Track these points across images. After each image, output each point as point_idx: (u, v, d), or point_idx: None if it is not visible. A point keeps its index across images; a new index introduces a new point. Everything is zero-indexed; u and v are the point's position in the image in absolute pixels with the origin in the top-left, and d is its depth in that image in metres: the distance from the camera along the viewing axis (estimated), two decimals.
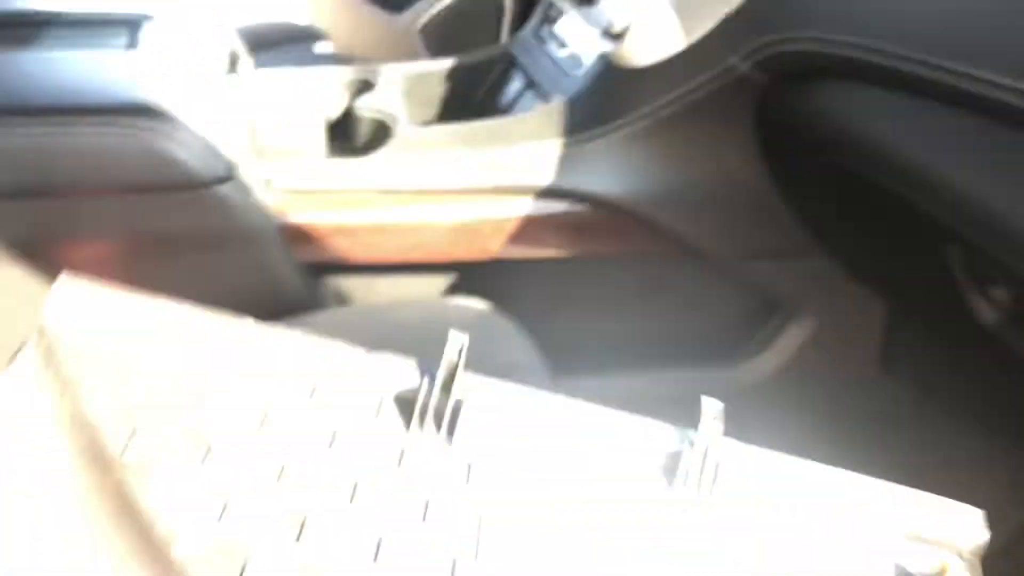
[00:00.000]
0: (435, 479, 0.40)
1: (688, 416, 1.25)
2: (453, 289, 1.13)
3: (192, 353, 0.44)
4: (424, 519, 0.39)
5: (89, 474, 0.39)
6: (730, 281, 1.16)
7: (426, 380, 0.41)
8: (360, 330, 0.97)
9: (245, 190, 0.94)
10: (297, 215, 0.99)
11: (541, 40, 1.21)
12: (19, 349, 0.43)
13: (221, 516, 0.38)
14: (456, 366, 0.42)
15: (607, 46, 1.05)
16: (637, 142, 1.03)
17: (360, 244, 1.03)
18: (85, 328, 0.45)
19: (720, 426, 0.43)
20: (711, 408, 0.43)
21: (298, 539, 0.37)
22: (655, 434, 0.43)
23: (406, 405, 0.42)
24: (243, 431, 0.41)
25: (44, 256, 0.93)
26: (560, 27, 1.18)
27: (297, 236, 1.00)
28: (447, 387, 0.41)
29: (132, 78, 0.92)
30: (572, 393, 0.94)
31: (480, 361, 0.96)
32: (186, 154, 0.88)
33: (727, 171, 1.05)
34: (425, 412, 0.41)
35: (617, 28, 1.01)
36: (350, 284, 1.09)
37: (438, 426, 0.41)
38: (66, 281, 0.46)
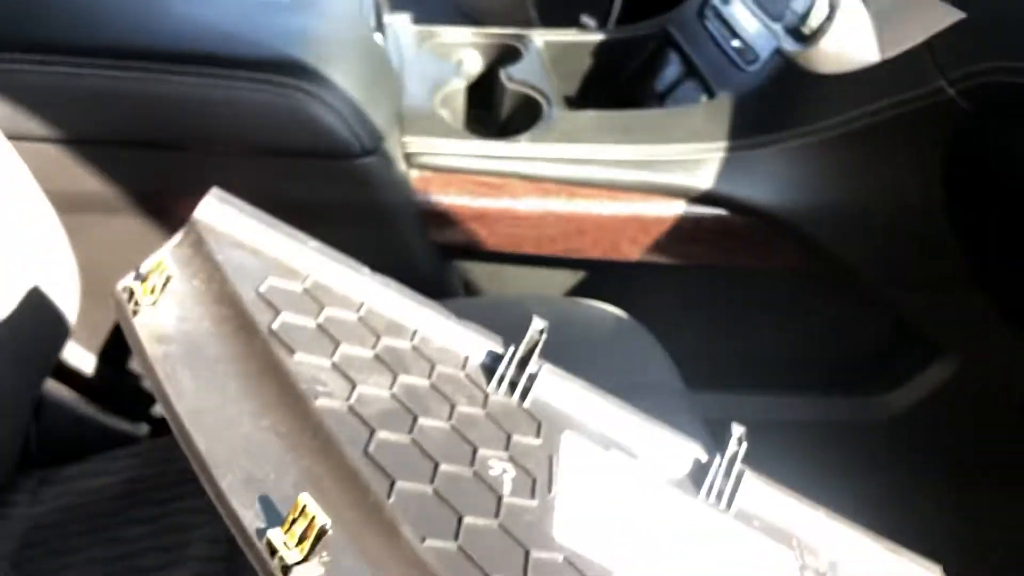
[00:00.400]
0: (513, 423, 0.47)
1: (815, 446, 1.17)
2: (580, 287, 1.05)
3: (321, 278, 0.50)
4: (507, 447, 0.45)
5: (236, 338, 0.44)
6: (878, 308, 1.08)
7: (509, 351, 0.49)
8: (491, 321, 0.91)
9: (388, 164, 0.87)
10: (436, 195, 0.92)
11: (705, 22, 1.12)
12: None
13: (351, 395, 0.43)
14: (536, 345, 0.48)
15: (789, 44, 0.95)
16: (812, 154, 0.94)
17: (495, 232, 0.96)
18: (231, 230, 0.49)
19: (743, 448, 0.48)
20: (736, 430, 0.48)
21: (410, 431, 0.42)
22: (693, 447, 0.49)
23: (489, 370, 0.49)
24: (360, 347, 0.47)
25: (171, 209, 0.87)
26: (731, 12, 1.08)
27: (433, 217, 0.93)
28: (523, 364, 0.48)
29: (284, 31, 0.85)
30: (703, 410, 0.88)
31: (618, 376, 0.89)
32: (337, 122, 0.81)
33: (902, 196, 0.96)
34: (503, 379, 0.48)
35: (808, 28, 0.91)
36: (476, 270, 1.02)
37: (512, 392, 0.48)
38: (218, 192, 0.50)
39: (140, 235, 0.89)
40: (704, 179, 0.95)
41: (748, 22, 1.04)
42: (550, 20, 1.62)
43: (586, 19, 1.62)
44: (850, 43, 0.90)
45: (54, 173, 0.80)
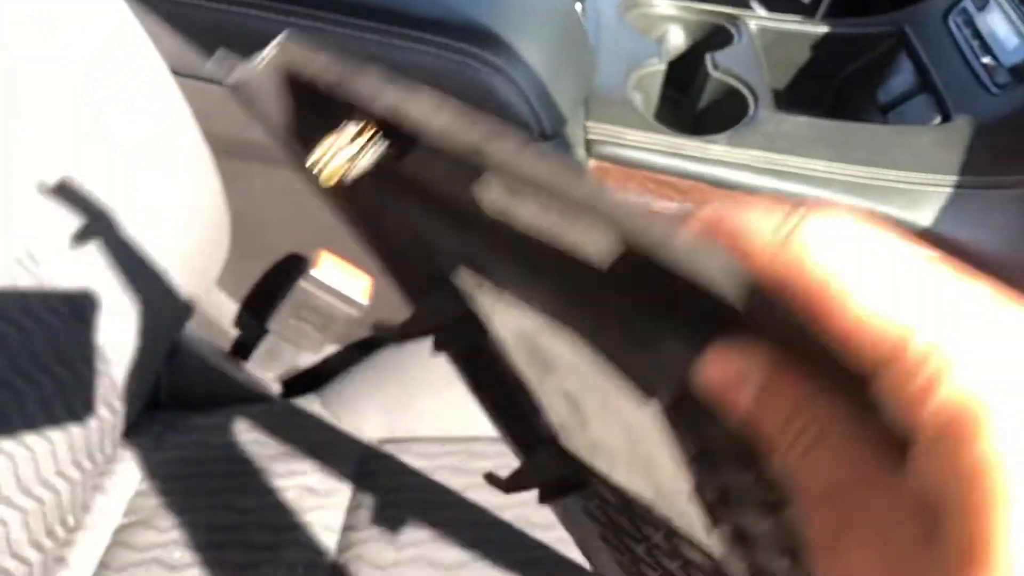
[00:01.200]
0: None
1: None
2: None
3: None
4: None
5: None
6: None
7: None
8: None
9: (566, 150, 0.79)
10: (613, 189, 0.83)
11: (951, 28, 0.96)
12: None
13: None
14: None
15: None
16: None
17: None
18: None
19: None
20: None
21: None
22: None
23: None
24: None
25: None
26: (986, 22, 0.93)
27: None
28: None
29: None
30: None
31: None
32: (519, 100, 0.72)
33: None
34: None
35: None
36: None
37: None
38: None
39: (295, 190, 0.84)
40: (925, 215, 0.82)
41: (1007, 37, 0.89)
42: None
43: None
44: None
45: (217, 116, 0.75)
